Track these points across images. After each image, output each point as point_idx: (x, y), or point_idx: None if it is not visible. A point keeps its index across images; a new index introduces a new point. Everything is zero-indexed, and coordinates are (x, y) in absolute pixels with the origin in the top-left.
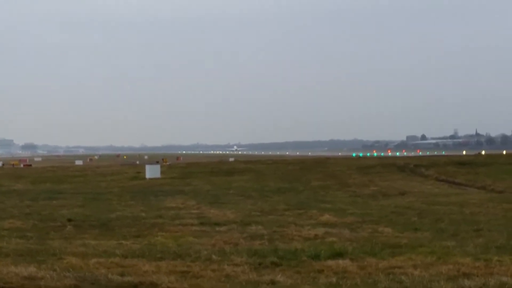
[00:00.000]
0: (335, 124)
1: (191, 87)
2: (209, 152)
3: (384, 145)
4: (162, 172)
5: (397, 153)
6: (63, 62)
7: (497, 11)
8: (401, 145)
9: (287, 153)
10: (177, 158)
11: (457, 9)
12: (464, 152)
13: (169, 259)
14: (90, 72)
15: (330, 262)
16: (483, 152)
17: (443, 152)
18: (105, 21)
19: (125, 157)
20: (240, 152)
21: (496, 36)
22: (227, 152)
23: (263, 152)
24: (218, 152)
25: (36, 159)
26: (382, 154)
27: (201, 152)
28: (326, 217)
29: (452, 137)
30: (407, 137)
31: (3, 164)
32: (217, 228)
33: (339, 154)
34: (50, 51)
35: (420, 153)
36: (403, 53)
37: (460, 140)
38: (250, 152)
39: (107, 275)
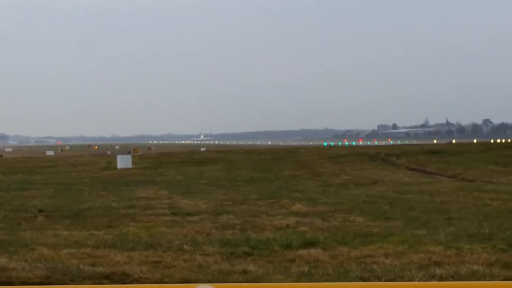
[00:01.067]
0: (306, 114)
1: (163, 77)
2: (181, 142)
3: (356, 135)
4: (133, 162)
5: (368, 142)
6: (33, 53)
7: (466, 2)
8: (372, 134)
9: (259, 142)
10: (149, 148)
11: (426, 1)
12: (435, 141)
13: (141, 249)
14: (60, 62)
15: (302, 252)
16: (453, 141)
17: (414, 141)
18: (74, 9)
19: (96, 147)
20: (206, 142)
21: (466, 27)
22: (194, 141)
23: (234, 142)
24: (184, 142)
25: (7, 149)
26: (353, 143)
27: (172, 142)
28: (297, 206)
29: (423, 126)
30: (378, 126)
31: None
32: (189, 218)
33: (311, 143)
34: (19, 40)
35: (391, 142)
36: (373, 44)
37: (431, 129)
38: (217, 142)
39: (79, 265)
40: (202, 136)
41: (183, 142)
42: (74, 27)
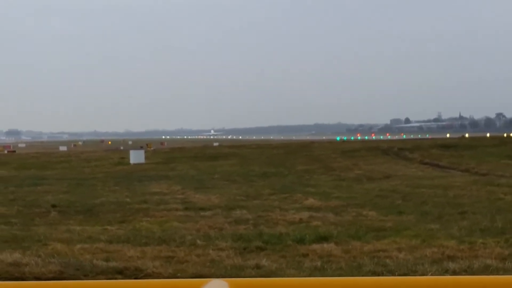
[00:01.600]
0: (319, 108)
1: (175, 72)
2: (193, 137)
3: (368, 129)
4: (146, 158)
5: (381, 137)
6: (46, 48)
7: None
8: (385, 129)
9: (272, 137)
10: (161, 143)
11: None
12: (448, 135)
13: (154, 244)
14: (74, 57)
15: (315, 246)
16: (467, 135)
17: (427, 135)
18: (88, 5)
19: (109, 142)
20: (217, 137)
21: (479, 20)
22: (204, 136)
23: (247, 137)
24: (195, 137)
25: (20, 145)
26: (366, 137)
27: (185, 137)
28: (310, 201)
29: (436, 120)
30: (391, 121)
31: None
32: (202, 213)
33: (324, 138)
34: (33, 36)
35: (404, 136)
36: (387, 38)
37: (444, 123)
38: (225, 137)
39: (92, 260)
40: (212, 131)
41: (195, 137)
42: (87, 22)
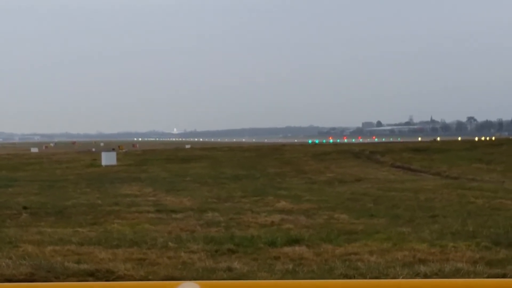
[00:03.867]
0: (291, 111)
1: (148, 74)
2: (164, 139)
3: (340, 132)
4: (118, 159)
5: (353, 140)
6: (17, 48)
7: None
8: (357, 132)
9: (244, 140)
10: (133, 145)
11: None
12: (419, 139)
13: (125, 247)
14: (44, 58)
15: (287, 249)
16: (438, 139)
17: (399, 139)
18: (56, 5)
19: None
20: (180, 138)
21: (451, 24)
22: (166, 139)
23: (219, 139)
24: (155, 139)
25: None
26: (338, 140)
27: (156, 139)
28: (282, 203)
29: (407, 123)
30: (363, 124)
31: None
32: (174, 215)
33: (295, 141)
34: (1, 35)
35: (376, 139)
36: (359, 42)
37: (416, 126)
38: (185, 138)
39: (63, 262)
40: (175, 129)
41: (161, 139)
42: (58, 22)
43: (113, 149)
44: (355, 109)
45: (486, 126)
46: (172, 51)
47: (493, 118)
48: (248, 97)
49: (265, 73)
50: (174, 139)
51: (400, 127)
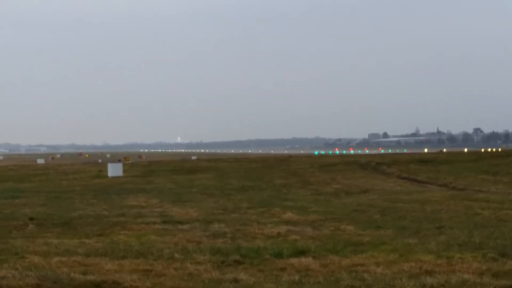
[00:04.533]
0: (298, 122)
1: (154, 85)
2: (171, 151)
3: (346, 143)
4: (124, 171)
5: (359, 151)
6: (23, 59)
7: (457, 11)
8: (363, 143)
9: (250, 151)
10: (140, 156)
11: (419, 5)
12: (425, 150)
13: (131, 258)
14: (51, 70)
15: (293, 260)
16: (444, 150)
17: (405, 150)
18: (70, 16)
19: (87, 155)
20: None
21: (458, 34)
22: (169, 150)
23: (225, 150)
24: (160, 150)
25: None
26: (344, 152)
27: (163, 150)
28: (288, 215)
29: (413, 135)
30: (369, 135)
31: None
32: (180, 227)
33: (302, 152)
34: (9, 47)
35: (382, 151)
36: (365, 53)
37: (422, 138)
38: (190, 150)
39: (69, 274)
40: (179, 138)
41: (169, 150)
42: (65, 35)
43: (119, 160)
44: (362, 120)
45: (492, 137)
46: (178, 63)
47: (500, 129)
48: (254, 108)
49: (272, 84)
50: (182, 150)
51: (406, 138)
